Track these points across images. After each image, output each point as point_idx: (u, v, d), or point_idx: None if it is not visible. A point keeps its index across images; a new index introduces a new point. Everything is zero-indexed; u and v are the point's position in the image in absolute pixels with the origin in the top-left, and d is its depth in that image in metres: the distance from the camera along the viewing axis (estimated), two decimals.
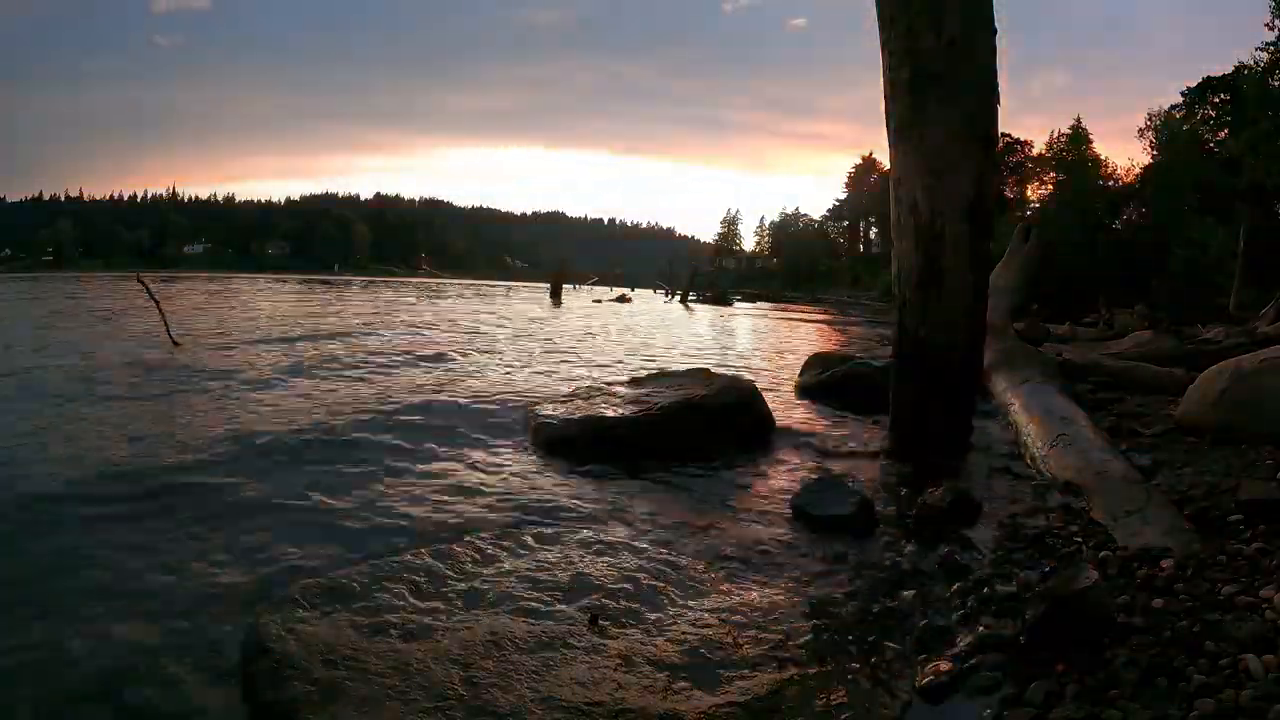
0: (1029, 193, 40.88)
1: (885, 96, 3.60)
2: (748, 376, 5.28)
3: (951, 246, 3.39)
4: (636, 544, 2.18)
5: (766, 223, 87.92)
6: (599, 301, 29.37)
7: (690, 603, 1.82)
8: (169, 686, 1.59)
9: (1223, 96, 28.09)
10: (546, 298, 27.07)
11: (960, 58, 3.36)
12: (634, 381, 4.65)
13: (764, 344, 12.66)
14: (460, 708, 1.37)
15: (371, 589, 1.78)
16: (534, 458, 3.51)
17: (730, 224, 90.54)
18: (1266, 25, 24.31)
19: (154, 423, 4.04)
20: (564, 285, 32.90)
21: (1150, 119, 32.67)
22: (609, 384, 4.74)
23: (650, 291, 47.11)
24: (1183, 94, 29.74)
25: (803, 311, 30.04)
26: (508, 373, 6.48)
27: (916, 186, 3.45)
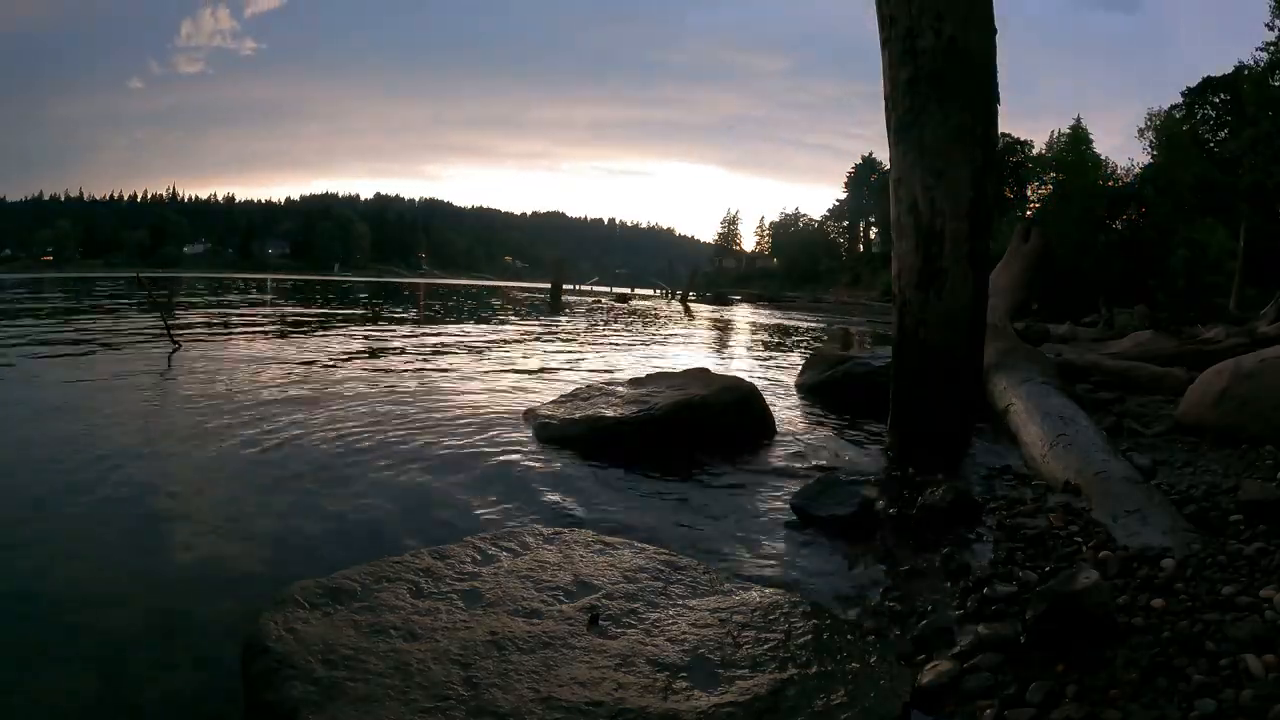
0: (1029, 193, 40.86)
1: (885, 96, 3.60)
2: (747, 376, 5.28)
3: (951, 246, 3.39)
4: (636, 544, 2.18)
5: (766, 222, 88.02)
6: (599, 301, 29.39)
7: (690, 603, 1.82)
8: (168, 687, 1.59)
9: (1223, 96, 28.08)
10: (547, 303, 27.04)
11: (960, 58, 3.36)
12: (634, 381, 4.64)
13: (764, 343, 12.66)
14: (460, 708, 1.37)
15: (372, 589, 1.77)
16: (533, 458, 3.51)
17: (730, 224, 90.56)
18: (1266, 25, 24.35)
19: (151, 419, 4.04)
20: (564, 286, 32.98)
21: (1150, 119, 32.68)
22: (609, 384, 4.73)
23: (650, 290, 47.12)
24: (1183, 94, 29.72)
25: (803, 311, 30.03)
26: (507, 373, 6.48)
27: (916, 186, 3.45)
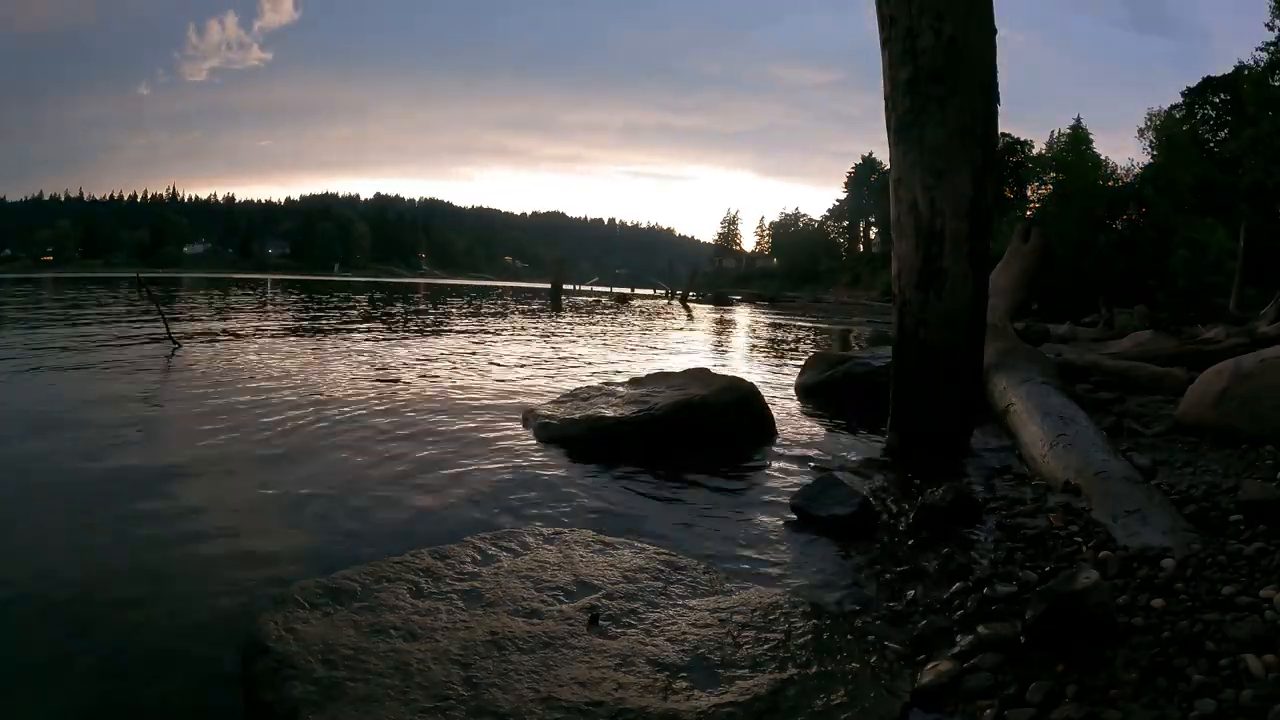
0: (1029, 193, 40.84)
1: (885, 96, 3.60)
2: (747, 376, 5.28)
3: (951, 246, 3.39)
4: (636, 544, 2.18)
5: (767, 222, 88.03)
6: (599, 301, 29.43)
7: (690, 603, 1.82)
8: (168, 687, 1.59)
9: (1223, 96, 28.05)
10: (547, 303, 27.03)
11: (960, 58, 3.35)
12: (634, 381, 4.65)
13: (763, 344, 12.66)
14: (460, 708, 1.37)
15: (371, 589, 1.78)
16: (533, 458, 3.51)
17: (730, 224, 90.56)
18: (1266, 25, 24.37)
19: (148, 421, 4.04)
20: (564, 286, 33.00)
21: (1150, 119, 32.69)
22: (609, 384, 4.74)
23: (650, 291, 47.16)
24: (1183, 94, 29.69)
25: (802, 311, 30.03)
26: (507, 373, 6.48)
27: (916, 186, 3.45)
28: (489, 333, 11.39)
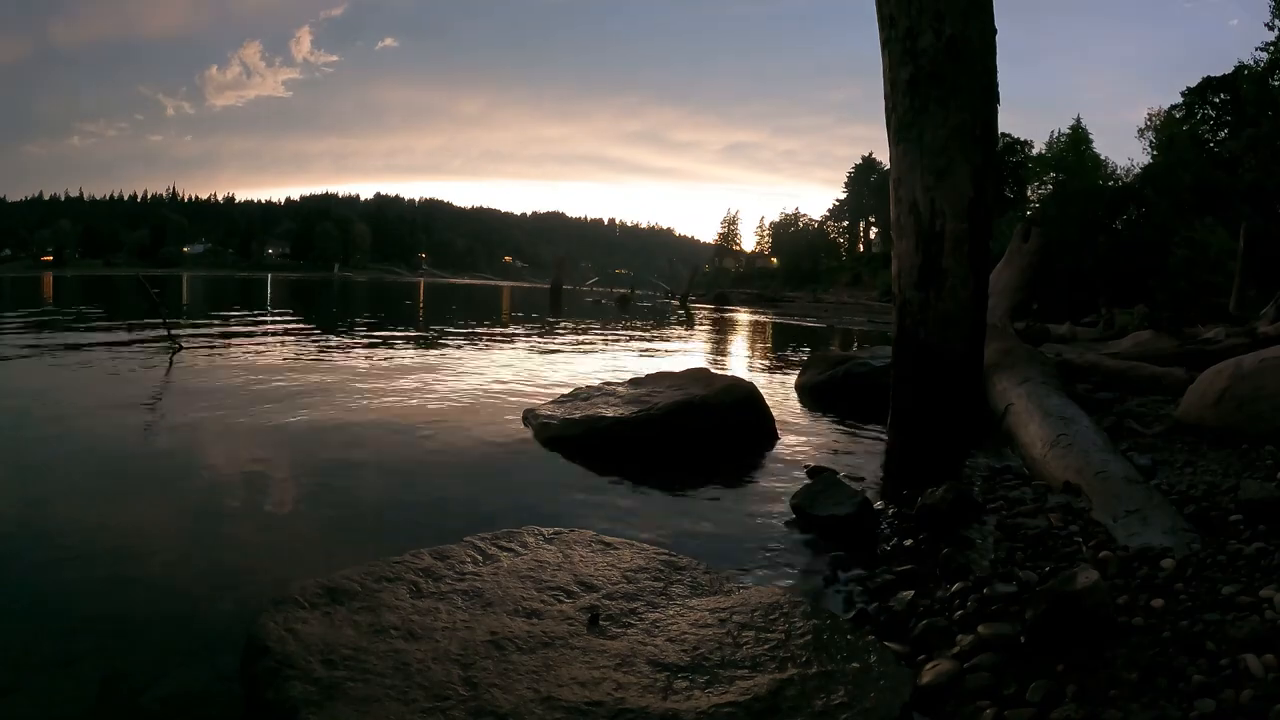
0: (1029, 193, 40.80)
1: (885, 96, 3.60)
2: (747, 376, 5.28)
3: (951, 246, 3.39)
4: (636, 544, 2.18)
5: (767, 223, 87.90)
6: (599, 301, 29.41)
7: (690, 603, 1.82)
8: (169, 687, 1.59)
9: (1223, 96, 28.01)
10: (547, 303, 27.02)
11: (960, 57, 3.35)
12: (634, 382, 4.64)
13: (763, 344, 12.66)
14: (460, 708, 1.37)
15: (371, 589, 1.78)
16: (534, 458, 3.51)
17: (730, 224, 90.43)
18: (1266, 25, 24.35)
19: (149, 420, 4.04)
20: (564, 287, 32.97)
21: (1150, 119, 32.67)
22: (609, 384, 4.74)
23: (650, 291, 47.18)
24: (1183, 94, 29.65)
25: (802, 311, 30.02)
26: (508, 373, 6.48)
27: (916, 186, 3.45)
28: (488, 333, 11.39)
